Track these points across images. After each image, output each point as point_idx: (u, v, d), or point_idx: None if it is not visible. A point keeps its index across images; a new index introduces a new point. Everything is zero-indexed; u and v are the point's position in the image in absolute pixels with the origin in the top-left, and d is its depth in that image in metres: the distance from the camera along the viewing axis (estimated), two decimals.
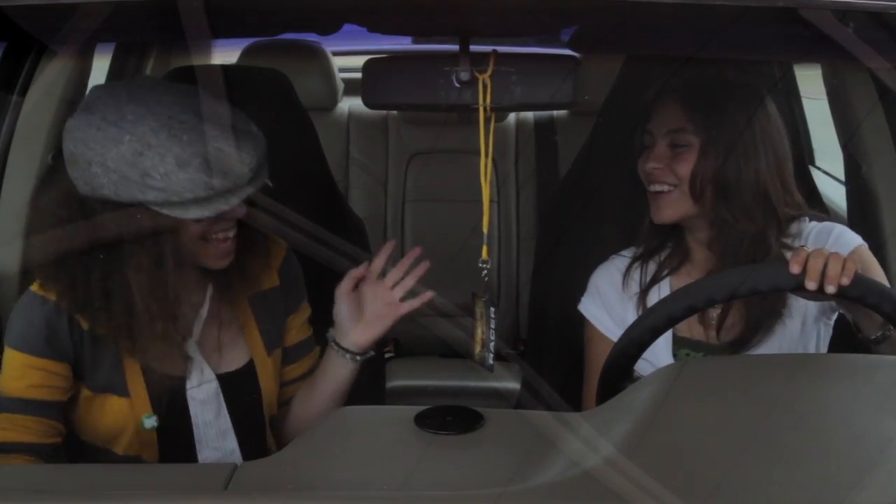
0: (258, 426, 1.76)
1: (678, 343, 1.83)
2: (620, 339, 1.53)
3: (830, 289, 1.47)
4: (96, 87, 1.56)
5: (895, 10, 1.32)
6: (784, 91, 2.56)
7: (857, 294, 1.50)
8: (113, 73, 3.24)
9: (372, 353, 1.77)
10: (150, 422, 1.62)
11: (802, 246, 1.52)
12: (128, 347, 1.59)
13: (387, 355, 3.05)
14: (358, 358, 1.74)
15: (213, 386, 1.68)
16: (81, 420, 1.64)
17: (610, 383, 1.52)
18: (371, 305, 1.72)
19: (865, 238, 1.83)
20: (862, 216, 2.10)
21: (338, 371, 1.75)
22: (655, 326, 1.50)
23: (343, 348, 1.73)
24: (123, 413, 1.61)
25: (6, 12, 1.39)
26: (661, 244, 1.89)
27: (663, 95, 1.83)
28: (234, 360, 1.72)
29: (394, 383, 2.88)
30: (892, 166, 2.04)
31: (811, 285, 1.47)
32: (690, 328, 1.83)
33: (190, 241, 1.54)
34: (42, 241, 1.58)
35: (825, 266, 1.47)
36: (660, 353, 1.79)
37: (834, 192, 2.54)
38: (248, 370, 1.73)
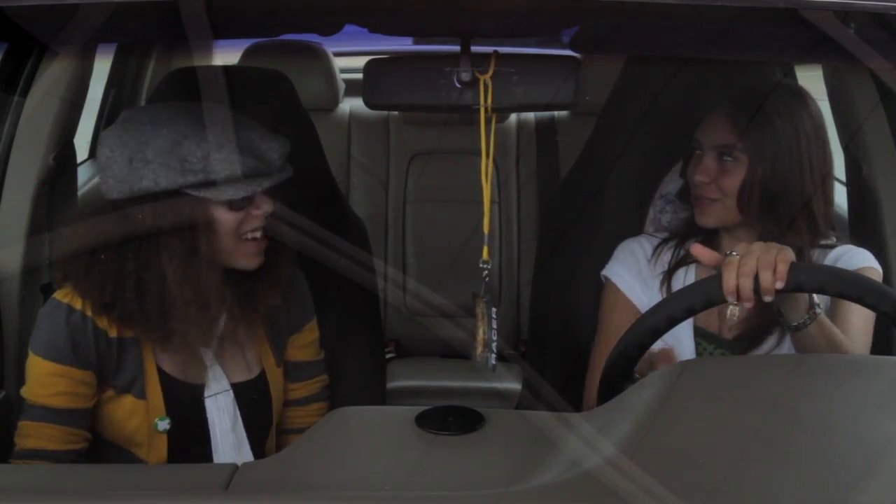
0: (266, 437, 1.79)
1: (696, 333, 1.83)
2: (620, 341, 1.53)
3: (767, 298, 1.46)
4: (127, 109, 1.67)
5: None
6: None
7: (810, 288, 1.47)
8: (114, 74, 3.24)
9: None
10: (163, 424, 1.65)
11: (732, 254, 1.48)
12: (152, 347, 1.63)
13: (388, 356, 3.05)
14: None
15: (230, 396, 1.71)
16: (103, 418, 1.67)
17: (610, 385, 1.52)
18: None
19: (866, 238, 1.82)
20: (863, 217, 2.09)
21: None
22: (657, 327, 1.50)
23: None
24: (139, 415, 1.64)
25: (7, 13, 1.39)
26: (695, 234, 1.88)
27: (713, 107, 1.81)
28: (248, 371, 1.75)
29: (395, 384, 2.87)
30: (893, 167, 2.03)
31: (747, 304, 1.47)
32: (707, 320, 1.82)
33: (225, 235, 1.60)
34: (70, 245, 1.62)
35: (756, 279, 1.44)
36: (683, 341, 1.80)
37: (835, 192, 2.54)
38: (261, 380, 1.76)
